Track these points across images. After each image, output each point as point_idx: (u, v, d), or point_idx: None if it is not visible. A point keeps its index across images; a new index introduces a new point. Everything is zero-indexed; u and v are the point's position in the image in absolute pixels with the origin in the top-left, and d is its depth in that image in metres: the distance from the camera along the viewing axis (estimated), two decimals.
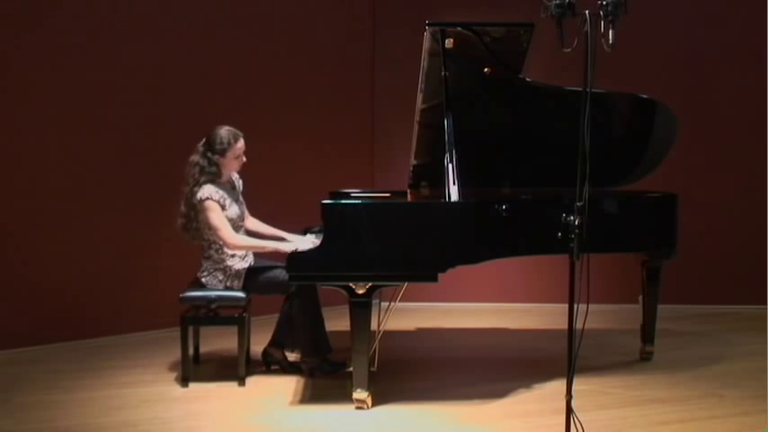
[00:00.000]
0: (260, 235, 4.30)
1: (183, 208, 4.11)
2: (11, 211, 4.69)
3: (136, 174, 5.07)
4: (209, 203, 3.99)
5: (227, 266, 4.11)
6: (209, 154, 4.06)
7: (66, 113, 4.83)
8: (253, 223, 4.37)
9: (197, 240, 4.15)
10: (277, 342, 4.31)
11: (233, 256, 4.13)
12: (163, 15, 5.17)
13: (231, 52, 5.42)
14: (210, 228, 4.03)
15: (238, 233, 4.11)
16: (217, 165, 4.07)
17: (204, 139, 4.11)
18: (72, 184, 4.88)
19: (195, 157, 4.09)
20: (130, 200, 5.06)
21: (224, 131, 4.08)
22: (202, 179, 4.04)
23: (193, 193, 4.04)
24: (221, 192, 4.08)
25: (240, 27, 5.47)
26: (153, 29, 5.12)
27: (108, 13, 4.97)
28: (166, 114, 5.15)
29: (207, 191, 4.02)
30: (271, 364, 4.32)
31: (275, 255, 4.03)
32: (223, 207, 4.04)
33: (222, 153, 4.06)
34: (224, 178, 4.16)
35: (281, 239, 4.23)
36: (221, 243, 4.04)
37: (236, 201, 4.20)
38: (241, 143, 4.11)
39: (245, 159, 4.18)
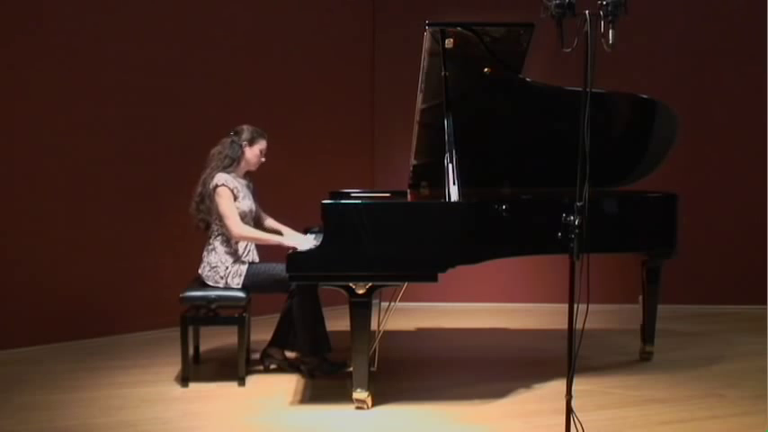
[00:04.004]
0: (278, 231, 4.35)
1: (199, 188, 4.18)
2: (11, 211, 4.69)
3: (136, 174, 5.07)
4: (222, 190, 4.06)
5: (229, 262, 4.12)
6: (237, 140, 4.20)
7: (65, 113, 4.83)
8: (270, 224, 4.40)
9: (204, 223, 4.17)
10: (277, 342, 4.31)
11: (235, 251, 4.15)
12: (162, 15, 5.17)
13: (231, 53, 5.43)
14: (219, 214, 4.07)
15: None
16: (242, 152, 4.19)
17: (232, 131, 4.24)
18: (72, 185, 4.89)
19: (219, 147, 4.21)
20: (131, 200, 5.07)
21: (253, 127, 4.27)
22: (225, 162, 4.15)
23: (212, 178, 4.10)
24: (236, 183, 4.14)
25: (240, 28, 5.48)
26: (152, 29, 5.13)
27: (107, 14, 4.97)
28: (167, 115, 5.15)
29: (223, 178, 4.10)
30: (270, 365, 4.32)
31: (278, 251, 4.04)
32: (236, 198, 4.10)
33: (250, 141, 4.21)
34: (242, 170, 4.25)
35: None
36: (227, 231, 4.08)
37: (250, 198, 4.24)
38: (266, 142, 4.27)
39: (264, 159, 4.28)
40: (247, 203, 4.18)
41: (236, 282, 4.10)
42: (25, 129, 4.73)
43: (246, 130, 4.22)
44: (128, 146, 5.05)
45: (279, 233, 4.30)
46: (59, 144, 4.83)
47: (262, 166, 4.29)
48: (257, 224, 4.30)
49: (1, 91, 4.64)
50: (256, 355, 4.40)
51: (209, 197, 4.11)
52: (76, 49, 4.85)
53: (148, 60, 5.11)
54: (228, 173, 4.14)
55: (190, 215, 4.19)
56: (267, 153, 4.27)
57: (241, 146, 4.19)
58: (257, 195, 4.34)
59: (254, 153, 4.22)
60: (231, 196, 4.08)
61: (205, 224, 4.18)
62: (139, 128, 5.08)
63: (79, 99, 4.87)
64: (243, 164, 4.23)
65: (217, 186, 4.06)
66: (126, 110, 5.03)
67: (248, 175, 4.32)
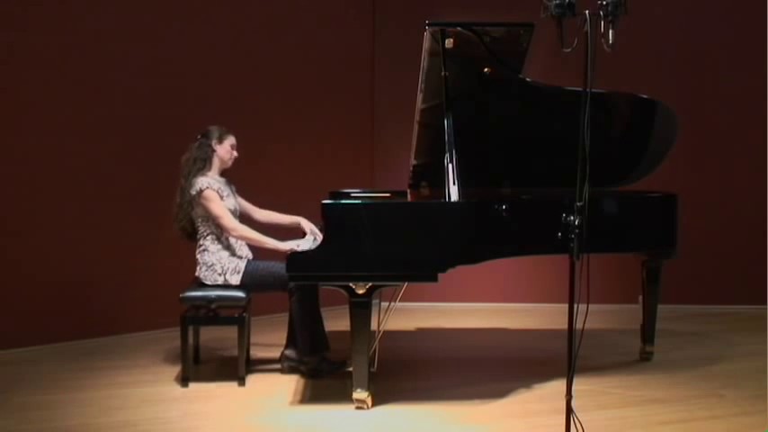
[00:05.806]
0: (277, 224, 4.38)
1: (177, 199, 4.19)
2: (10, 211, 4.69)
3: (136, 174, 5.07)
4: (208, 193, 4.07)
5: (224, 258, 4.12)
6: (206, 142, 4.22)
7: (65, 114, 4.83)
8: (264, 215, 4.41)
9: (184, 232, 4.19)
10: (293, 343, 4.28)
11: (229, 245, 4.15)
12: (162, 15, 5.17)
13: (231, 52, 5.43)
14: (212, 217, 4.08)
15: None
16: (212, 150, 4.21)
17: (199, 134, 4.26)
18: (72, 185, 4.88)
19: (188, 153, 4.23)
20: (130, 200, 5.07)
21: (217, 126, 4.28)
22: (198, 165, 4.16)
23: (191, 185, 4.09)
24: (218, 184, 4.16)
25: (240, 27, 5.48)
26: (152, 28, 5.13)
27: (107, 13, 4.97)
28: (166, 114, 5.15)
29: (205, 182, 4.10)
30: (288, 366, 4.25)
31: (274, 253, 4.04)
32: (221, 197, 4.11)
33: (219, 139, 4.23)
34: (218, 170, 4.25)
35: (298, 224, 4.34)
36: (225, 231, 4.09)
37: (233, 196, 4.26)
38: (234, 137, 4.28)
39: (236, 154, 4.28)
40: (232, 202, 4.20)
41: (235, 279, 4.10)
42: (24, 129, 4.73)
43: (213, 130, 4.25)
44: (128, 146, 5.05)
45: (296, 224, 4.31)
46: (59, 144, 4.82)
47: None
48: (247, 219, 4.29)
49: (1, 91, 4.64)
50: (256, 355, 4.40)
51: (189, 204, 4.12)
52: (78, 49, 4.85)
53: (149, 61, 5.11)
54: (206, 175, 4.15)
55: (172, 224, 4.21)
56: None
57: (210, 145, 4.21)
58: (237, 192, 4.34)
59: (225, 149, 4.24)
60: (218, 197, 4.09)
61: (186, 233, 4.20)
62: (140, 128, 5.08)
63: (80, 99, 4.87)
64: (217, 162, 4.24)
65: (201, 191, 4.07)
66: (126, 110, 5.03)
67: (226, 174, 4.32)
